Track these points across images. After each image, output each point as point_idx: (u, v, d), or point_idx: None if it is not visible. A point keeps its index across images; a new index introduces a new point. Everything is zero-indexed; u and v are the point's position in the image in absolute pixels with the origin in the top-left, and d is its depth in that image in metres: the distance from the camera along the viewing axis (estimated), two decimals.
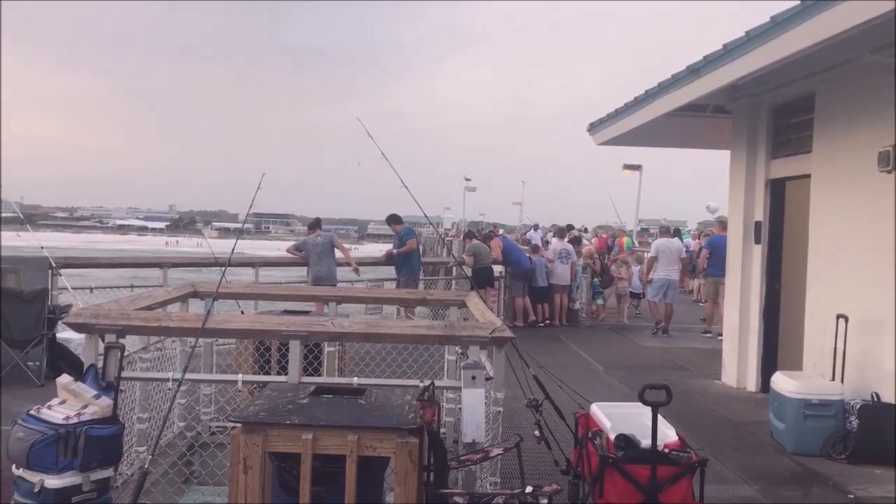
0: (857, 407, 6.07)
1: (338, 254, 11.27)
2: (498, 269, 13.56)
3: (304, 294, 7.45)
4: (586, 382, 8.11)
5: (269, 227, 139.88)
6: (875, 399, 6.09)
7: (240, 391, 5.22)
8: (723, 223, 12.39)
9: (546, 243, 15.99)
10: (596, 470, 3.89)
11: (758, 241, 8.63)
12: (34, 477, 3.38)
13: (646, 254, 15.60)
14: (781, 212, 8.53)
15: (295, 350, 4.12)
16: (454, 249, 18.53)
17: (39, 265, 8.74)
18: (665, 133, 10.68)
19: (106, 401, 3.62)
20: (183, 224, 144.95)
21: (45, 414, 3.51)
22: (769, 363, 8.40)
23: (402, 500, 3.25)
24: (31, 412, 3.54)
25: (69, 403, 3.58)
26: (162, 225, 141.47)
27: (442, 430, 4.63)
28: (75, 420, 3.46)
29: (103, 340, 4.00)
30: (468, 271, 12.29)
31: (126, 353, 4.02)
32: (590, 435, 4.22)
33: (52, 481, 3.37)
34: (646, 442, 3.82)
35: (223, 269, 5.90)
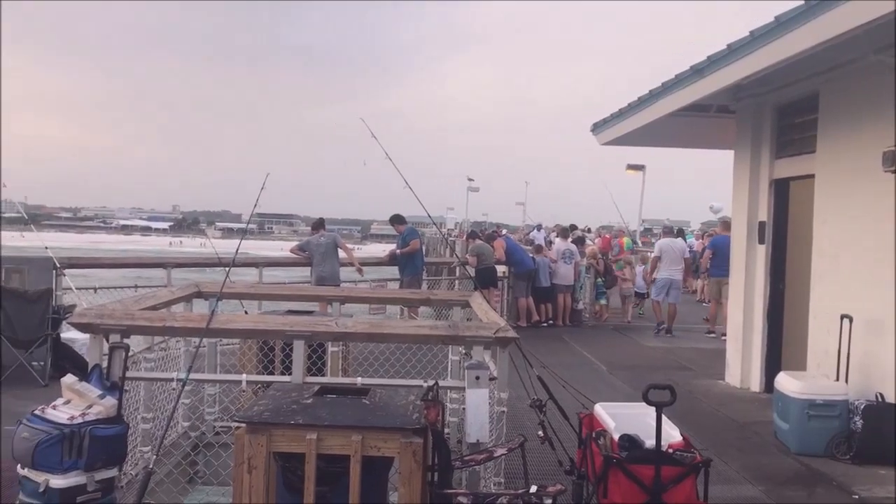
0: (862, 407, 6.06)
1: (341, 254, 11.27)
2: (501, 269, 13.56)
3: (308, 294, 7.46)
4: (590, 382, 8.11)
5: (272, 228, 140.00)
6: (879, 399, 6.07)
7: (244, 391, 5.23)
8: (726, 223, 12.38)
9: (549, 243, 15.98)
10: (600, 470, 3.89)
11: (762, 241, 8.62)
12: (39, 477, 3.38)
13: (649, 254, 15.59)
14: (785, 212, 8.52)
15: (299, 350, 4.12)
16: (457, 249, 18.55)
17: (43, 265, 8.76)
18: (669, 133, 10.67)
19: (110, 401, 3.63)
20: (186, 224, 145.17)
21: (50, 414, 3.51)
22: (773, 363, 8.38)
23: (406, 500, 3.25)
24: (36, 412, 3.54)
25: (74, 403, 3.59)
26: (165, 225, 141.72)
27: (446, 431, 4.62)
28: (80, 420, 3.47)
29: (108, 340, 4.00)
30: (471, 271, 12.29)
31: (130, 353, 4.03)
32: (594, 435, 4.21)
33: (57, 481, 3.38)
34: (650, 442, 3.82)
35: (227, 269, 5.91)
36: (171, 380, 4.31)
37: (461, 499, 3.49)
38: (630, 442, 3.91)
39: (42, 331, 8.02)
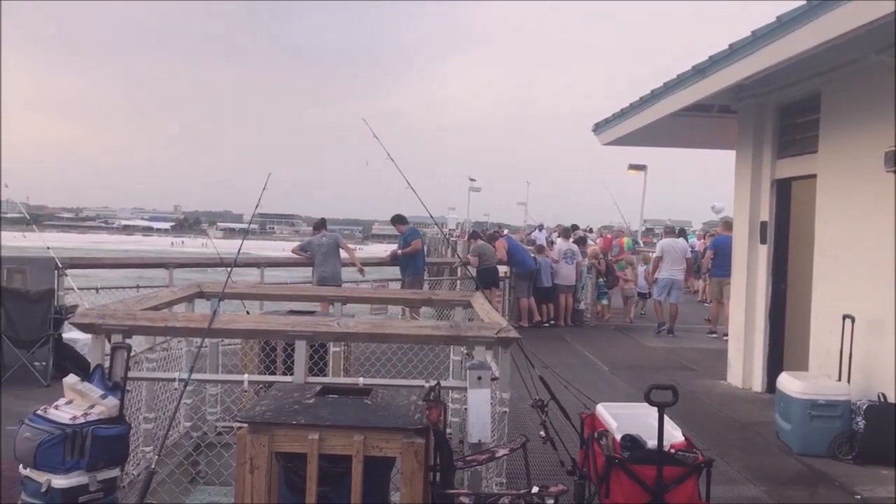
0: (864, 407, 6.05)
1: (343, 254, 11.28)
2: (503, 269, 13.56)
3: (310, 294, 7.46)
4: (591, 383, 8.11)
5: (273, 228, 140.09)
6: (882, 399, 6.07)
7: (246, 391, 5.24)
8: (727, 223, 12.38)
9: (551, 244, 15.98)
10: (602, 470, 3.89)
11: (763, 242, 8.61)
12: (41, 477, 3.38)
13: (651, 254, 15.59)
14: (787, 212, 8.52)
15: (300, 350, 4.12)
16: (459, 250, 18.54)
17: (45, 265, 8.77)
18: (670, 133, 10.67)
19: (112, 401, 3.63)
20: (188, 224, 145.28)
21: (52, 414, 3.51)
22: (775, 363, 8.38)
23: (408, 500, 3.25)
24: (38, 412, 3.54)
25: (76, 403, 3.59)
26: (167, 225, 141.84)
27: (448, 431, 4.63)
28: (82, 420, 3.47)
29: (110, 341, 4.00)
30: (473, 272, 12.29)
31: (132, 354, 4.03)
32: (596, 435, 4.21)
33: (59, 481, 3.37)
34: (652, 442, 3.82)
35: (229, 269, 5.91)
36: (173, 380, 4.31)
37: (463, 499, 3.49)
38: (632, 442, 3.91)
39: (44, 331, 8.03)
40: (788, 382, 6.52)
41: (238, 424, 3.54)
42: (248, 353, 6.05)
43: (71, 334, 8.20)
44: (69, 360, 7.92)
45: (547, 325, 13.60)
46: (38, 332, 8.01)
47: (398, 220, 12.33)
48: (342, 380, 4.81)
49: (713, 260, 12.61)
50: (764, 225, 8.60)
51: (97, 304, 7.63)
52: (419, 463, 3.24)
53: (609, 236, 19.86)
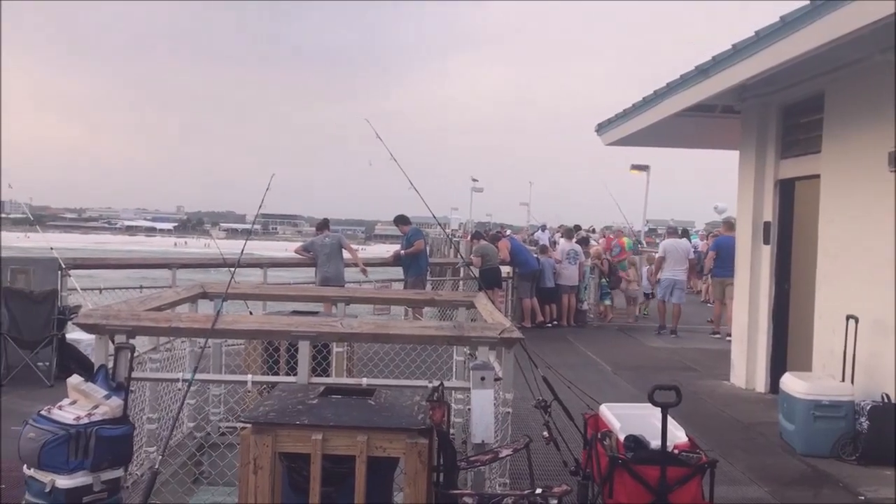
0: (868, 408, 6.04)
1: (346, 254, 11.28)
2: (506, 269, 13.56)
3: (313, 295, 7.46)
4: (594, 383, 8.11)
5: (276, 228, 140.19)
6: (885, 400, 6.05)
7: (249, 392, 5.24)
8: (729, 224, 12.37)
9: (554, 244, 15.97)
10: (605, 471, 3.88)
11: (767, 242, 8.60)
12: (45, 477, 3.39)
13: (654, 254, 15.58)
14: (791, 212, 8.50)
15: (304, 351, 4.13)
16: (462, 250, 18.54)
17: (49, 266, 8.78)
18: (673, 133, 10.66)
19: (116, 401, 3.64)
20: (191, 225, 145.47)
21: (56, 414, 3.52)
22: (778, 364, 8.36)
23: (412, 501, 3.25)
24: (42, 412, 3.56)
25: (80, 404, 3.60)
26: (170, 226, 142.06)
27: (451, 431, 4.63)
28: (86, 420, 3.48)
29: (113, 341, 4.02)
30: (476, 272, 12.29)
31: (136, 354, 4.04)
32: (599, 436, 4.21)
33: (63, 481, 3.38)
34: (655, 443, 3.82)
35: (232, 270, 5.92)
36: (177, 380, 4.32)
37: (466, 499, 3.49)
38: (635, 443, 3.90)
39: (48, 331, 8.04)
40: (792, 383, 6.51)
41: (241, 425, 3.55)
42: (251, 354, 6.06)
43: (74, 335, 8.22)
44: (73, 361, 7.94)
45: (550, 325, 13.60)
46: (42, 332, 8.02)
47: (401, 220, 12.33)
48: (345, 380, 4.81)
49: (715, 260, 12.59)
50: (767, 225, 8.59)
51: (101, 304, 7.65)
52: (422, 463, 3.24)
53: (611, 237, 19.86)
